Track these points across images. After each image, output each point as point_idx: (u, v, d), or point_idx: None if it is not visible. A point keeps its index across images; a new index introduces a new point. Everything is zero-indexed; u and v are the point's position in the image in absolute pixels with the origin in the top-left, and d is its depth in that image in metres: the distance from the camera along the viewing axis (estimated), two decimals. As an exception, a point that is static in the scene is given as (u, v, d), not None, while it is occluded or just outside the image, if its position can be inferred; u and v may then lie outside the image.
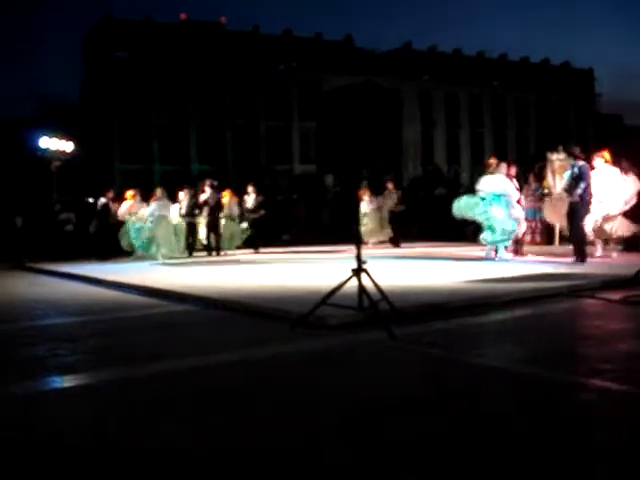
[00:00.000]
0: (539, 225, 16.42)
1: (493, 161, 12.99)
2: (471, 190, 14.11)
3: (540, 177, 16.61)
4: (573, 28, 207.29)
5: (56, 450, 3.35)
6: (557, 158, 16.50)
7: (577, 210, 11.41)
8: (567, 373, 4.49)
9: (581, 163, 11.56)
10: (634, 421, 3.54)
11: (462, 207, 12.91)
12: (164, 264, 13.44)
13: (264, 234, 18.73)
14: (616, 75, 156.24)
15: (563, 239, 16.71)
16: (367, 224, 19.24)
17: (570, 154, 11.84)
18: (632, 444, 3.18)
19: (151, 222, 15.68)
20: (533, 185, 16.38)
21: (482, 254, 13.03)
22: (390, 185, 19.85)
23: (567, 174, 11.83)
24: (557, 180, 16.26)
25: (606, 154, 12.64)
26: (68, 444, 3.44)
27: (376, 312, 6.16)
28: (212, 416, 3.82)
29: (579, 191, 11.22)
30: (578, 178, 11.33)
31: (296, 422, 3.67)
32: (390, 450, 3.17)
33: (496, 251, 12.68)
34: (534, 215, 16.17)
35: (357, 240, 7.15)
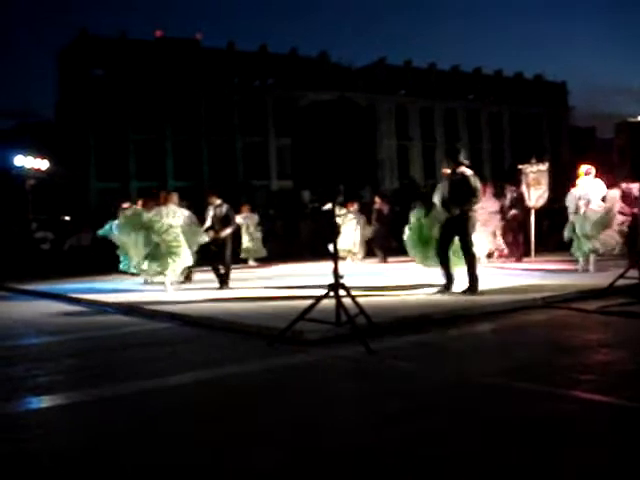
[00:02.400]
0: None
1: (587, 168, 11.97)
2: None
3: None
4: (545, 42, 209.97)
5: (29, 467, 3.34)
6: (530, 170, 16.72)
7: (463, 227, 9.30)
8: (543, 384, 4.53)
9: (468, 172, 9.40)
10: (611, 431, 3.59)
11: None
12: (145, 282, 13.30)
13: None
14: (588, 88, 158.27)
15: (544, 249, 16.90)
16: (350, 239, 18.66)
17: (453, 160, 9.53)
18: (606, 454, 3.23)
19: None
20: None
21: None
22: (377, 199, 19.19)
23: (442, 185, 9.72)
24: (532, 192, 16.47)
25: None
26: (38, 462, 3.42)
27: (353, 327, 6.18)
28: (195, 435, 3.82)
29: (467, 206, 9.17)
30: (463, 189, 9.25)
31: (286, 440, 3.68)
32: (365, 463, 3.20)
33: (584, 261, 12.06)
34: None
35: (334, 255, 7.18)
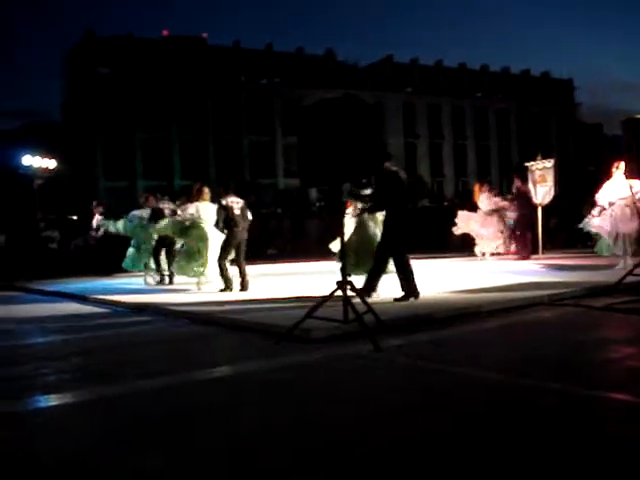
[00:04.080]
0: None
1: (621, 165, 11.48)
2: (455, 202, 14.16)
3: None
4: (551, 39, 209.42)
5: (30, 469, 3.35)
6: (536, 168, 16.69)
7: (384, 229, 8.62)
8: (551, 381, 4.51)
9: (393, 169, 8.57)
10: (620, 428, 3.57)
11: None
12: (151, 282, 13.32)
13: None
14: (596, 85, 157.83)
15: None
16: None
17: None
18: (616, 451, 3.21)
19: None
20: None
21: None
22: None
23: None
24: (538, 189, 16.44)
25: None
26: (45, 463, 3.43)
27: (361, 324, 6.17)
28: (198, 435, 3.82)
29: (392, 207, 8.45)
30: (385, 189, 8.45)
31: (285, 438, 3.67)
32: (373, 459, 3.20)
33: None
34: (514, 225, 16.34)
35: (342, 253, 7.18)
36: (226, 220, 10.94)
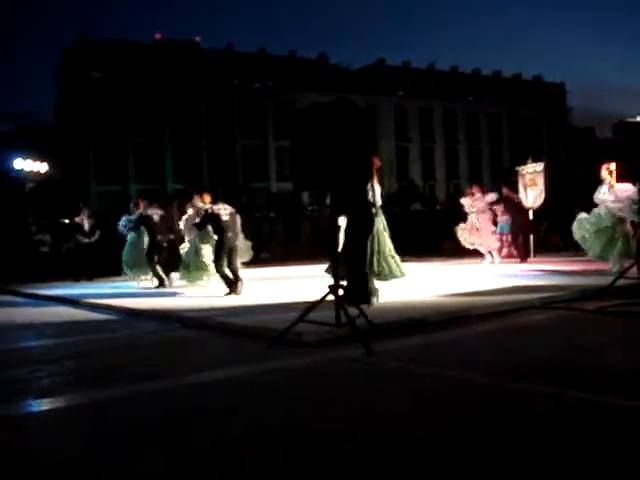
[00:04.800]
0: (508, 238, 16.57)
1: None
2: (447, 205, 14.21)
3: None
4: (543, 43, 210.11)
5: (26, 472, 3.35)
6: (527, 171, 16.75)
7: (355, 238, 8.36)
8: (543, 385, 4.52)
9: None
10: (611, 432, 3.59)
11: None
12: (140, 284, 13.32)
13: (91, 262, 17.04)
14: (589, 89, 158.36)
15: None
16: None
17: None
18: (606, 454, 3.23)
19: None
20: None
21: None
22: None
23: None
24: (529, 193, 16.50)
25: None
26: (39, 465, 3.43)
27: (353, 328, 6.18)
28: (194, 437, 3.82)
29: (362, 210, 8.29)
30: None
31: (277, 441, 3.68)
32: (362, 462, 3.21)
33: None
34: (507, 229, 16.40)
35: (333, 257, 7.18)
36: (216, 227, 11.12)
